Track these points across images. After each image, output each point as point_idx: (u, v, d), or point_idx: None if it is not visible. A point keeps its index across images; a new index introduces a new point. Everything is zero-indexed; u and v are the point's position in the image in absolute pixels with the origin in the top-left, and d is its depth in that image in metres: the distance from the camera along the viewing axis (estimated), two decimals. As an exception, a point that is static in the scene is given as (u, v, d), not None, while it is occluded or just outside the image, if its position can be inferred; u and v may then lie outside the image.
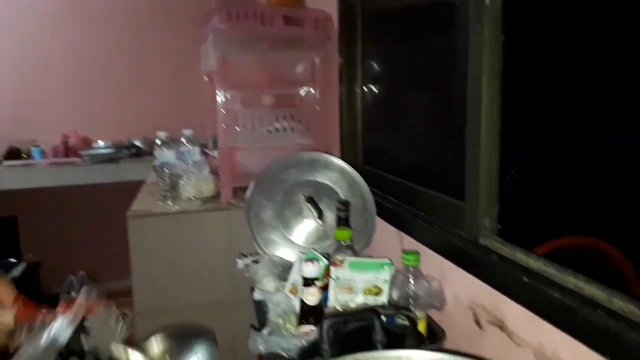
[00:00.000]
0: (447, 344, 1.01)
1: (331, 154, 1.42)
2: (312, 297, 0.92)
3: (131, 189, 2.08)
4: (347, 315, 0.77)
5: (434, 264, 1.11)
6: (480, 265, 0.96)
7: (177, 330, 0.89)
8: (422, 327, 1.00)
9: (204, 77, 2.06)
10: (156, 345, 0.81)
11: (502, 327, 0.91)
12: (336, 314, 0.77)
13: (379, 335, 0.73)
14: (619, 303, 0.70)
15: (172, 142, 1.98)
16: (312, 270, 0.92)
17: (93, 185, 3.11)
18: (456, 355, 0.62)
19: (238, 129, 1.76)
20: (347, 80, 1.73)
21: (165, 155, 1.88)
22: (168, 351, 0.81)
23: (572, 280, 0.79)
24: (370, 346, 0.81)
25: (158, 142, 1.96)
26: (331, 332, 0.81)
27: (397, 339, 0.92)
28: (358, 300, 1.06)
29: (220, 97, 1.72)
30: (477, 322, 0.97)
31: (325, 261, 1.08)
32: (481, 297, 0.96)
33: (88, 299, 0.73)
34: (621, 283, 0.78)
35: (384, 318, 1.00)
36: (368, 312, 0.75)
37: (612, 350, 0.65)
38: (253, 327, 1.02)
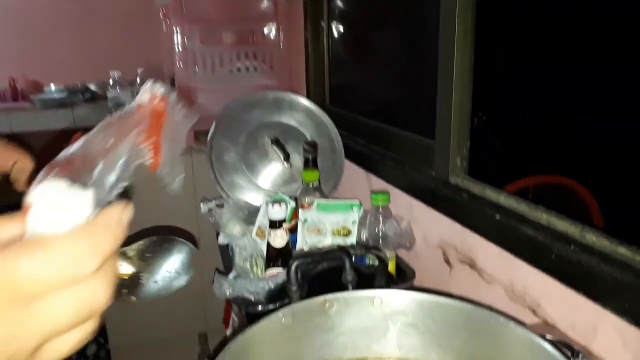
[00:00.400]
0: (417, 284, 1.00)
1: (297, 94, 1.35)
2: (279, 239, 0.89)
3: (86, 134, 1.96)
4: (315, 255, 0.74)
5: (403, 204, 1.08)
6: (450, 204, 0.94)
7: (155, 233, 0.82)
8: (391, 267, 0.99)
9: (160, 14, 1.91)
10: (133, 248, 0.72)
11: (472, 265, 0.90)
12: (304, 255, 0.74)
13: (349, 275, 0.70)
14: (591, 238, 0.69)
15: (127, 83, 1.86)
16: (278, 212, 0.88)
17: (46, 132, 2.93)
18: (430, 294, 0.60)
19: (197, 69, 1.66)
20: (312, 16, 1.63)
21: (120, 96, 1.76)
22: (146, 249, 0.73)
23: (544, 217, 0.77)
24: (339, 287, 0.79)
25: (111, 82, 1.83)
26: (299, 273, 0.78)
27: (366, 279, 0.90)
28: (327, 241, 1.04)
29: (176, 34, 1.60)
30: (447, 261, 0.97)
31: (292, 203, 1.04)
32: (451, 236, 0.95)
33: (155, 98, 0.44)
34: (588, 222, 0.77)
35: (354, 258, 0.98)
36: (338, 252, 0.72)
37: (585, 284, 0.65)
38: (218, 271, 0.99)
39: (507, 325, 0.55)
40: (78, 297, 0.24)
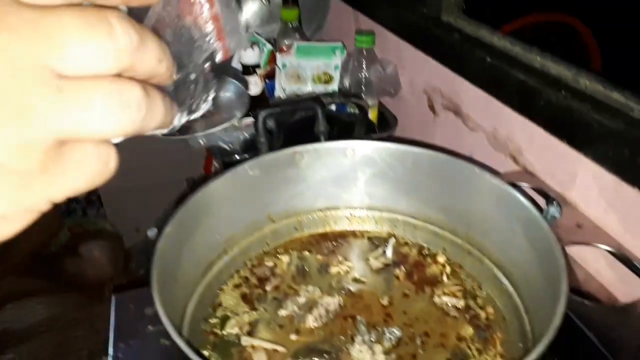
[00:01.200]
0: (400, 132, 0.97)
1: None
2: (253, 86, 0.83)
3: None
4: (285, 104, 0.69)
5: (391, 47, 1.00)
6: (440, 46, 0.86)
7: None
8: (373, 115, 0.95)
9: None
10: None
11: (456, 111, 0.86)
12: (273, 104, 0.69)
13: (322, 126, 0.66)
14: (585, 82, 0.64)
15: None
16: (251, 56, 0.81)
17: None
18: (401, 144, 0.56)
19: None
20: None
21: None
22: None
23: (538, 60, 0.71)
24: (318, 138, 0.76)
25: None
26: (273, 123, 0.74)
27: (347, 128, 0.87)
28: (307, 89, 0.98)
29: None
30: (432, 108, 0.92)
31: (268, 46, 0.96)
32: (438, 81, 0.89)
33: None
34: (586, 65, 0.71)
35: (333, 107, 0.93)
36: (310, 101, 0.67)
37: (571, 132, 0.61)
38: (192, 120, 0.95)
39: (478, 174, 0.52)
40: (84, 16, 0.18)
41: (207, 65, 0.37)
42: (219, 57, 0.40)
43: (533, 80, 0.67)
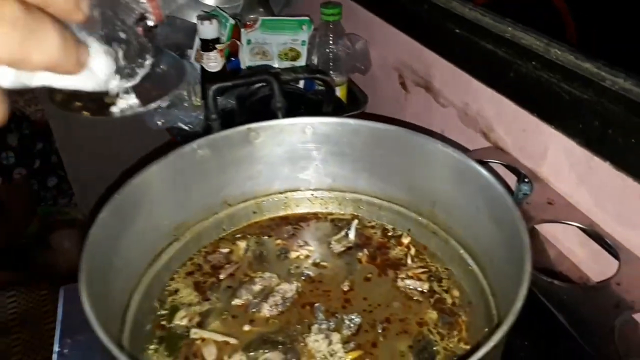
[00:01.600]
0: (370, 110, 0.94)
1: None
2: (212, 62, 0.78)
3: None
4: (237, 78, 0.65)
5: (360, 21, 0.96)
6: (410, 19, 0.83)
7: None
8: (342, 92, 0.91)
9: None
10: None
11: (428, 88, 0.82)
12: (224, 78, 0.65)
13: (278, 101, 0.62)
14: (556, 52, 0.60)
15: None
16: (209, 30, 0.76)
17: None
18: (362, 120, 0.53)
19: None
20: None
21: None
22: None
23: (509, 30, 0.67)
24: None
25: None
26: (234, 101, 0.70)
27: (315, 107, 0.83)
28: (274, 66, 0.94)
29: None
30: (403, 84, 0.89)
31: (231, 20, 0.91)
32: (409, 56, 0.86)
33: None
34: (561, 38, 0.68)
35: (301, 85, 0.89)
36: (264, 74, 0.63)
37: (541, 105, 0.58)
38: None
39: (440, 149, 0.49)
40: None
41: (139, 27, 0.34)
42: (151, 20, 0.36)
43: (503, 51, 0.64)
